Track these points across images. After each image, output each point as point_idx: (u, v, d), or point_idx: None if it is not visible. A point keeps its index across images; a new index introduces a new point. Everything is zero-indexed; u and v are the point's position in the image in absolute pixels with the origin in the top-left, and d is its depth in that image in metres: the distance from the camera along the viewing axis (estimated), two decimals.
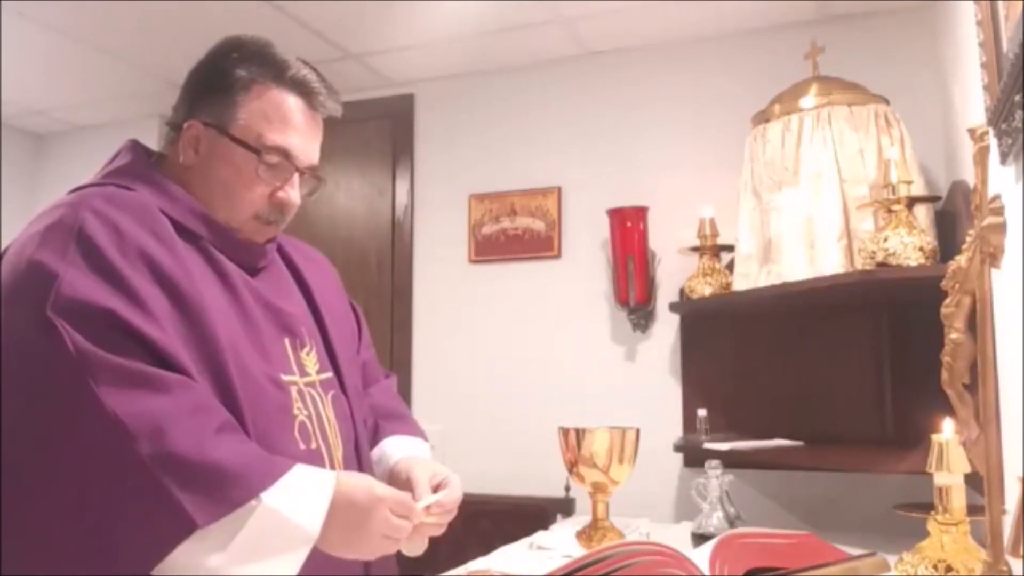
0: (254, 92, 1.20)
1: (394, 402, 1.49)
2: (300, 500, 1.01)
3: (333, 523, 1.03)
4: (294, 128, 1.22)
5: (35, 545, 0.96)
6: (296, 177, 1.23)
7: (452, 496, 1.21)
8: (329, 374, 1.27)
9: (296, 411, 1.17)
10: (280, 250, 1.35)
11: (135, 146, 1.27)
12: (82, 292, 0.99)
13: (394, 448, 1.35)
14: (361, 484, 1.08)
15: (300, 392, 1.19)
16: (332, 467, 1.19)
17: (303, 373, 1.22)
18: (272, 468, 1.01)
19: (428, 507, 1.16)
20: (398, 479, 1.26)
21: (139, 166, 1.23)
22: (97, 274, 1.01)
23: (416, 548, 1.21)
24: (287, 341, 1.22)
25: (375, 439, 1.38)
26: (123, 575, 0.94)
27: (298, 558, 1.01)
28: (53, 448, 0.96)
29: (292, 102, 1.22)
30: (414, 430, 1.44)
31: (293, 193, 1.24)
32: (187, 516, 0.93)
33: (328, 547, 1.05)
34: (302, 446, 1.16)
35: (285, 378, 1.18)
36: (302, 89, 1.23)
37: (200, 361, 1.06)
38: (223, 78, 1.21)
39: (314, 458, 1.16)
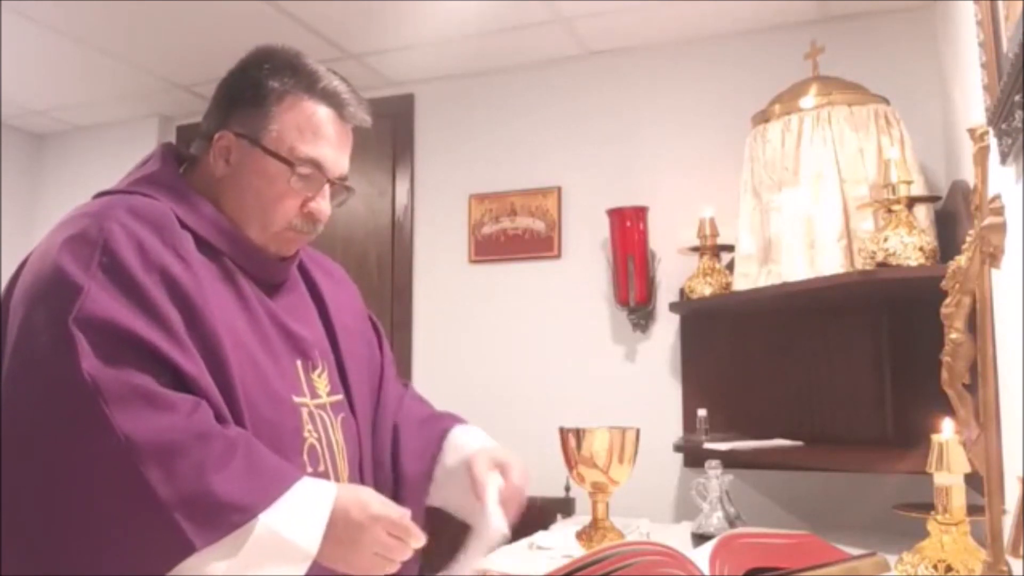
0: (286, 103, 1.20)
1: (429, 405, 1.51)
2: (298, 518, 1.02)
3: (329, 538, 1.04)
4: (326, 139, 1.22)
5: (37, 556, 0.97)
6: (327, 188, 1.24)
7: (514, 485, 1.25)
8: (340, 396, 1.28)
9: (306, 433, 1.18)
10: (300, 264, 1.34)
11: (166, 153, 1.27)
12: (105, 310, 1.00)
13: (464, 439, 1.37)
14: (358, 500, 1.09)
15: (311, 414, 1.20)
16: None
17: (314, 395, 1.22)
18: (272, 487, 1.02)
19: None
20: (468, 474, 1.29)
21: (168, 175, 1.22)
22: (121, 292, 1.02)
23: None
24: (299, 363, 1.22)
25: (433, 436, 1.38)
26: None
27: (298, 571, 1.03)
28: (60, 460, 0.96)
29: (324, 113, 1.22)
30: (462, 420, 1.46)
31: (324, 204, 1.24)
32: (187, 539, 0.95)
33: (324, 561, 1.06)
34: (309, 469, 1.17)
35: (296, 400, 1.19)
36: (333, 100, 1.23)
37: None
38: (255, 89, 1.21)
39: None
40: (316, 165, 1.21)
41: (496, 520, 1.20)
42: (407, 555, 1.10)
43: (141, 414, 0.96)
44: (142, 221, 1.09)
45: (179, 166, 1.27)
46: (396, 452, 1.35)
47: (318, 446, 1.19)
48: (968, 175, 1.90)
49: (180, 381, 1.02)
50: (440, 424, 1.40)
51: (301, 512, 1.03)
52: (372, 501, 1.10)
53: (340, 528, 1.05)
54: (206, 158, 1.23)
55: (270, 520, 0.99)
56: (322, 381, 1.25)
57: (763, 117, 2.36)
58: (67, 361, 0.96)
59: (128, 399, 0.96)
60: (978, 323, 1.03)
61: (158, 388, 0.99)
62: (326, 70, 1.24)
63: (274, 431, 1.12)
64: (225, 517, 0.97)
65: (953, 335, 1.09)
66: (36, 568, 0.97)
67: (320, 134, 1.21)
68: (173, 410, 0.99)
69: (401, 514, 1.11)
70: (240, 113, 1.21)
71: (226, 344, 1.09)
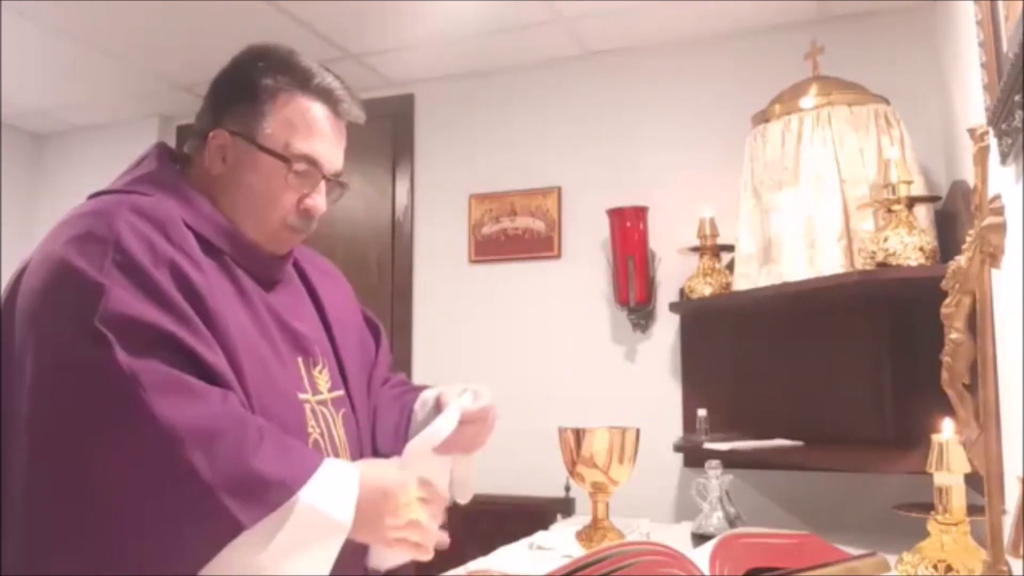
0: (280, 101, 1.21)
1: (407, 385, 1.53)
2: (332, 493, 1.05)
3: (365, 513, 1.07)
4: (320, 136, 1.23)
5: (86, 547, 0.98)
6: (323, 184, 1.25)
7: (481, 405, 1.29)
8: (340, 392, 1.29)
9: (310, 429, 1.19)
10: (294, 262, 1.35)
11: (161, 152, 1.27)
12: (129, 307, 1.01)
13: (430, 393, 1.41)
14: (395, 478, 1.13)
15: (313, 410, 1.21)
16: None
17: (316, 391, 1.24)
18: (306, 466, 1.05)
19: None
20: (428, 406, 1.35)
21: (165, 175, 1.23)
22: (138, 289, 1.03)
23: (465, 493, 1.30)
24: (300, 360, 1.23)
25: (405, 408, 1.41)
26: (175, 575, 0.98)
27: (334, 546, 1.05)
28: (104, 453, 0.97)
29: (318, 110, 1.23)
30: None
31: (320, 200, 1.25)
32: (233, 518, 0.97)
33: (360, 537, 1.09)
34: None
35: (300, 396, 1.20)
36: (327, 97, 1.24)
37: None
38: (249, 87, 1.21)
39: None
40: (312, 161, 1.22)
41: (443, 421, 1.22)
42: (440, 520, 1.15)
43: (179, 402, 0.98)
44: (147, 220, 1.09)
45: (174, 165, 1.27)
46: (374, 434, 1.37)
47: (321, 441, 1.21)
48: (968, 175, 1.90)
49: (204, 373, 1.04)
50: (410, 396, 1.43)
51: (333, 487, 1.05)
52: (404, 477, 1.14)
53: (379, 502, 1.08)
54: (201, 157, 1.24)
55: (307, 496, 1.02)
56: (323, 377, 1.26)
57: (763, 117, 2.36)
58: (102, 357, 0.97)
59: (165, 388, 0.98)
60: (978, 323, 1.03)
61: (190, 378, 1.01)
62: (319, 67, 1.25)
63: (280, 427, 1.12)
64: (267, 495, 0.99)
65: (953, 335, 1.09)
66: (86, 560, 0.97)
67: (315, 130, 1.22)
68: (207, 399, 1.01)
69: (429, 482, 1.15)
70: (235, 111, 1.22)
71: (236, 341, 1.10)
